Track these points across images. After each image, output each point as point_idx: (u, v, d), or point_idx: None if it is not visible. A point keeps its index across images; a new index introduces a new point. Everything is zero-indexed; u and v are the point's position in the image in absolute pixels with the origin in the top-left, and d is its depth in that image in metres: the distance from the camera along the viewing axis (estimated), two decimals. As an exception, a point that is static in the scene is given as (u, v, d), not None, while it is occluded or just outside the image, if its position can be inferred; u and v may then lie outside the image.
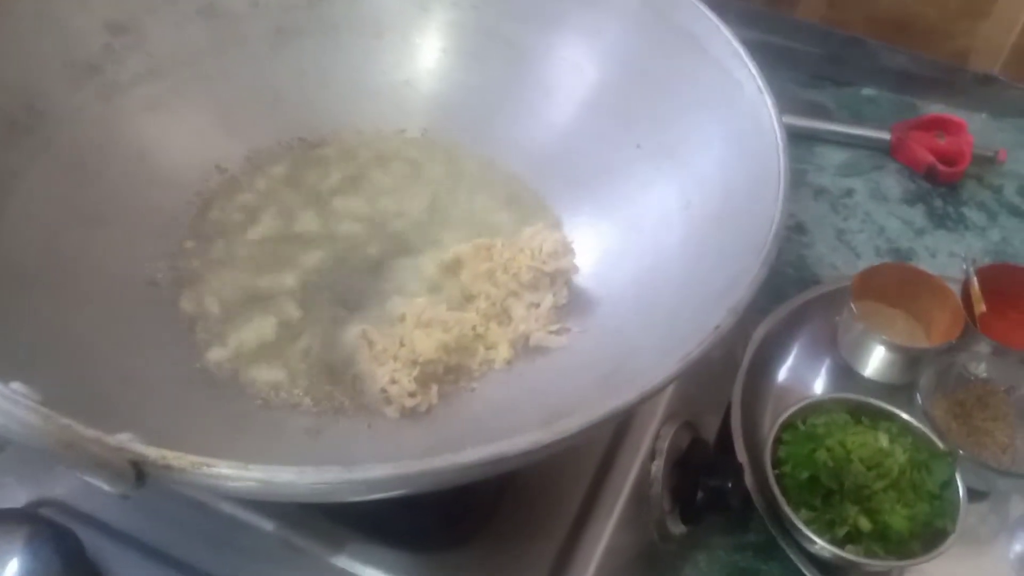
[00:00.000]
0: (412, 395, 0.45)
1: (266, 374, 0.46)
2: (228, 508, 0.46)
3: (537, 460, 0.34)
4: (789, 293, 0.73)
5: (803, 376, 0.70)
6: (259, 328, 0.48)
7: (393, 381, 0.45)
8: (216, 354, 0.47)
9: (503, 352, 0.48)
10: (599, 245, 0.54)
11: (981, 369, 0.66)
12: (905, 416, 0.61)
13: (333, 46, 0.59)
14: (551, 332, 0.49)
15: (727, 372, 0.64)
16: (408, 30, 0.59)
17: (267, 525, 0.46)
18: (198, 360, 0.47)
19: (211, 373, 0.46)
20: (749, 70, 0.49)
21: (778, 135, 0.45)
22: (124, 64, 0.53)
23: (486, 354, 0.48)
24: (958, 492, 0.57)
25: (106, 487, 0.30)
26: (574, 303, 0.51)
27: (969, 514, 0.57)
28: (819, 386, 0.69)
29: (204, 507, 0.46)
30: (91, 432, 0.30)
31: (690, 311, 0.42)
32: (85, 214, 0.49)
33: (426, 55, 0.60)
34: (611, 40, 0.56)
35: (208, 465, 0.30)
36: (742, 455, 0.60)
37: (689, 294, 0.45)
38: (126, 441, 0.30)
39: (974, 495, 0.59)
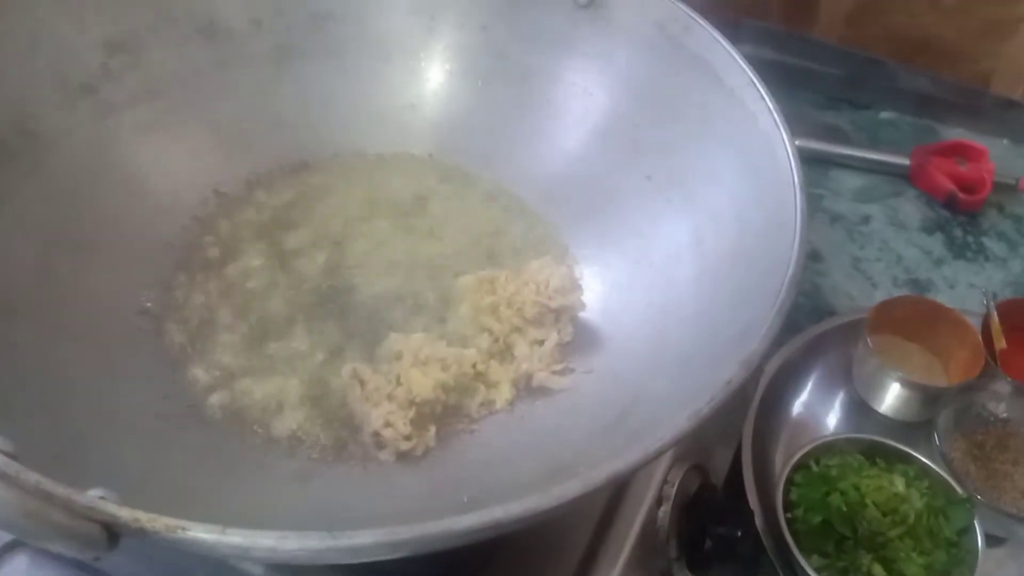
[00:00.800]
0: (408, 438, 0.43)
1: (256, 414, 0.44)
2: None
3: (533, 524, 0.32)
4: (803, 324, 0.71)
5: (816, 411, 0.68)
6: (250, 365, 0.46)
7: (388, 424, 0.43)
8: (204, 391, 0.45)
9: (504, 392, 0.46)
10: (606, 278, 0.52)
11: (1001, 409, 0.64)
12: (922, 459, 0.58)
13: (337, 67, 0.57)
14: (555, 372, 0.47)
15: (738, 407, 0.62)
16: (414, 52, 0.58)
17: (255, 570, 0.44)
18: (184, 397, 0.45)
19: (197, 411, 0.44)
20: (765, 102, 0.47)
21: (795, 173, 0.43)
22: (120, 84, 0.51)
23: (487, 394, 0.46)
24: (976, 539, 0.55)
25: (76, 554, 0.28)
26: (579, 340, 0.49)
27: (987, 561, 0.55)
28: (832, 422, 0.67)
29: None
30: (60, 490, 0.28)
31: (701, 359, 0.41)
32: (75, 240, 0.47)
33: (432, 78, 0.58)
34: (622, 66, 0.55)
35: (184, 528, 0.28)
36: (752, 495, 0.58)
37: (701, 339, 0.43)
38: (97, 500, 0.28)
39: (992, 541, 0.57)
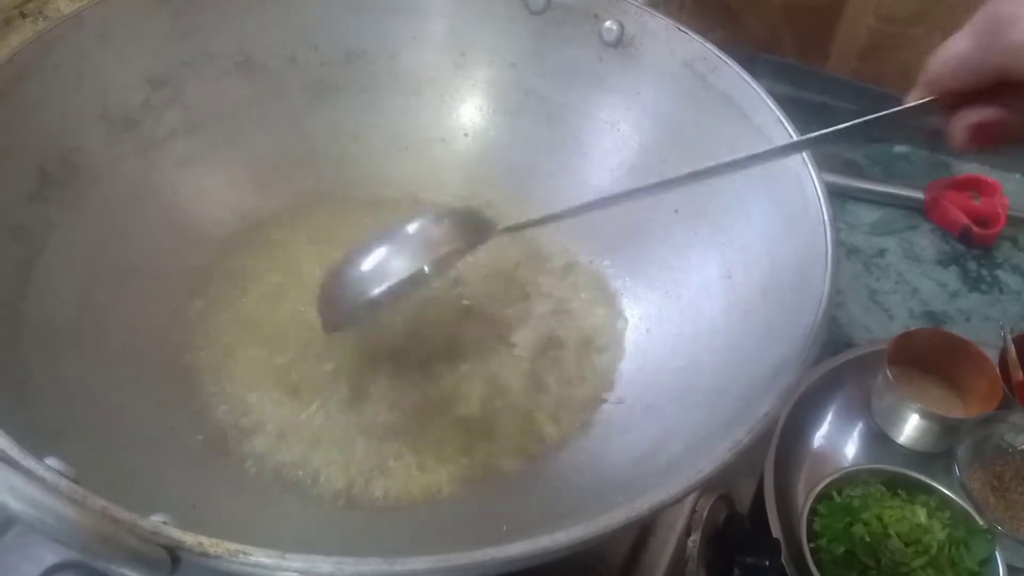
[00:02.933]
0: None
1: (290, 458, 0.45)
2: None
3: (575, 552, 0.33)
4: (822, 356, 0.71)
5: (836, 442, 0.68)
6: (286, 398, 0.47)
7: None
8: (243, 421, 0.46)
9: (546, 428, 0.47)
10: (635, 310, 0.53)
11: (1020, 440, 0.65)
12: (943, 490, 0.59)
13: (369, 102, 0.59)
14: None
15: (761, 439, 0.63)
16: (445, 88, 0.59)
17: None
18: (221, 430, 0.46)
19: (238, 441, 0.45)
20: (792, 138, 0.48)
21: (824, 209, 0.44)
22: (161, 118, 0.53)
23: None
24: (998, 569, 0.56)
25: (140, 576, 0.29)
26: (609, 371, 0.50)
27: (1009, 592, 0.55)
28: (852, 452, 0.68)
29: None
30: (126, 516, 0.29)
31: (734, 391, 0.41)
32: (118, 269, 0.49)
33: (462, 113, 0.60)
34: (650, 102, 0.56)
35: (245, 553, 0.29)
36: (775, 525, 0.59)
37: (733, 371, 0.43)
38: (160, 525, 0.29)
39: (1013, 572, 0.58)
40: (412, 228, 0.45)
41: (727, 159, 0.42)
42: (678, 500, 0.33)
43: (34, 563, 0.47)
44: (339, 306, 0.45)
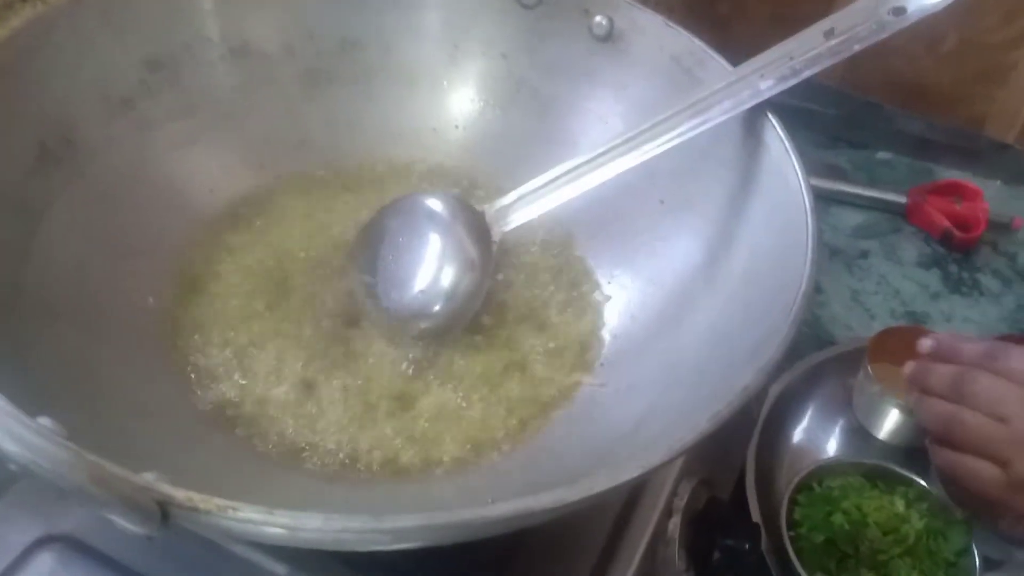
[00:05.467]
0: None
1: (283, 425, 0.46)
2: (240, 550, 0.45)
3: (561, 516, 0.34)
4: (804, 352, 0.73)
5: (817, 436, 0.69)
6: (277, 369, 0.48)
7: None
8: (233, 393, 0.47)
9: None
10: (619, 296, 0.54)
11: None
12: (921, 482, 0.60)
13: (363, 91, 0.59)
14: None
15: (742, 430, 0.64)
16: (438, 79, 0.60)
17: (280, 569, 0.45)
18: (214, 401, 0.46)
19: (228, 413, 0.46)
20: (776, 131, 0.50)
21: (805, 196, 0.45)
22: (158, 100, 0.53)
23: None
24: (974, 561, 0.57)
25: (132, 527, 0.29)
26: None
27: (984, 583, 0.57)
28: (833, 447, 0.69)
29: (217, 547, 0.45)
30: (118, 470, 0.30)
31: (715, 370, 0.42)
32: (114, 245, 0.49)
33: (454, 104, 0.60)
34: (637, 94, 0.57)
35: (234, 509, 0.30)
36: (756, 515, 0.60)
37: (714, 352, 0.44)
38: (151, 481, 0.30)
39: (990, 564, 0.59)
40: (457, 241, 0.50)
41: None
42: (659, 467, 0.34)
43: (22, 534, 0.47)
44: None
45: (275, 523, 0.30)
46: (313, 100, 0.58)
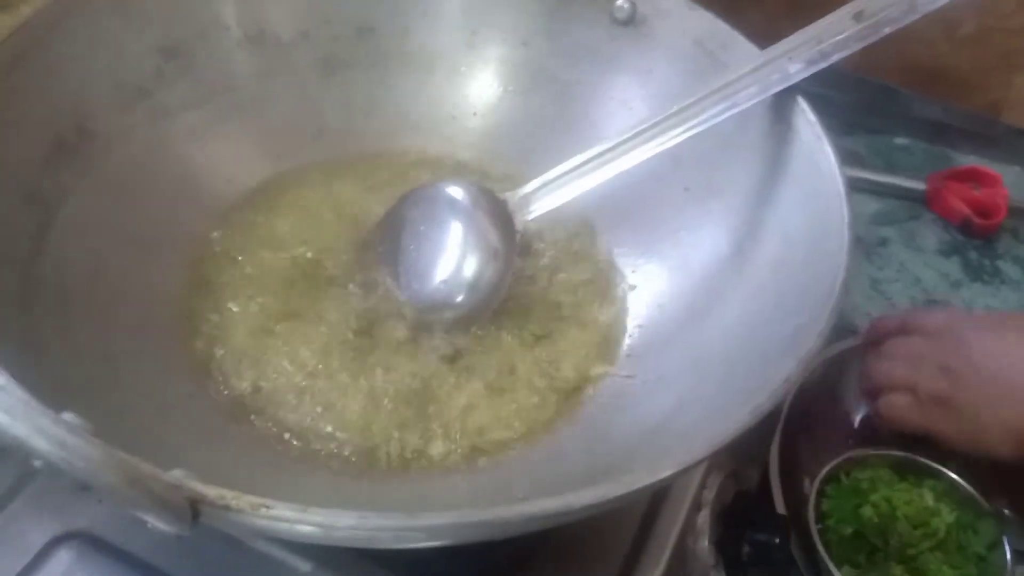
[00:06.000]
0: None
1: (303, 421, 0.45)
2: (262, 546, 0.45)
3: (598, 513, 0.33)
4: (826, 342, 0.71)
5: (841, 427, 0.68)
6: (297, 361, 0.47)
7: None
8: (253, 387, 0.46)
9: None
10: (646, 286, 0.53)
11: None
12: (951, 474, 0.59)
13: (380, 78, 0.58)
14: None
15: (767, 422, 0.63)
16: (456, 65, 0.59)
17: (303, 566, 0.44)
18: (232, 395, 0.45)
19: (248, 407, 0.45)
20: (806, 116, 0.49)
21: (840, 184, 0.45)
22: (173, 88, 0.52)
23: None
24: (1005, 555, 0.56)
25: (163, 526, 0.28)
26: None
27: (1015, 576, 0.56)
28: (857, 437, 0.68)
29: (238, 544, 0.45)
30: (147, 468, 0.29)
31: (746, 364, 0.41)
32: (130, 236, 0.48)
33: (473, 90, 0.59)
34: (661, 80, 0.56)
35: (267, 507, 0.29)
36: (781, 507, 0.59)
37: (745, 345, 0.43)
38: (182, 479, 0.29)
39: (1021, 556, 0.58)
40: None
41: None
42: (701, 462, 0.33)
43: (41, 532, 0.46)
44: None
45: (309, 521, 0.29)
46: (330, 88, 0.57)
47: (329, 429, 0.45)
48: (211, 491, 0.29)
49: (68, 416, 0.30)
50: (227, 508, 0.29)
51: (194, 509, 0.29)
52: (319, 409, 0.45)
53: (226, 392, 0.46)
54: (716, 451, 0.33)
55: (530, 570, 0.46)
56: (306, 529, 0.30)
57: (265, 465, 0.44)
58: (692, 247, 0.52)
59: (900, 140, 0.96)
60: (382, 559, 0.44)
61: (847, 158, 0.91)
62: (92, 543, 0.47)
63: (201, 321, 0.48)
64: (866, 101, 0.97)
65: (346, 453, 0.44)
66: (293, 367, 0.47)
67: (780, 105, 0.50)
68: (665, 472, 0.32)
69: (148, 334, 0.46)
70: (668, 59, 0.55)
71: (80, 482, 0.27)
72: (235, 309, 0.49)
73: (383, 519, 0.29)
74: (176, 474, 0.29)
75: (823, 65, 0.49)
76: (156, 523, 0.28)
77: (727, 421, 0.34)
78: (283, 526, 0.29)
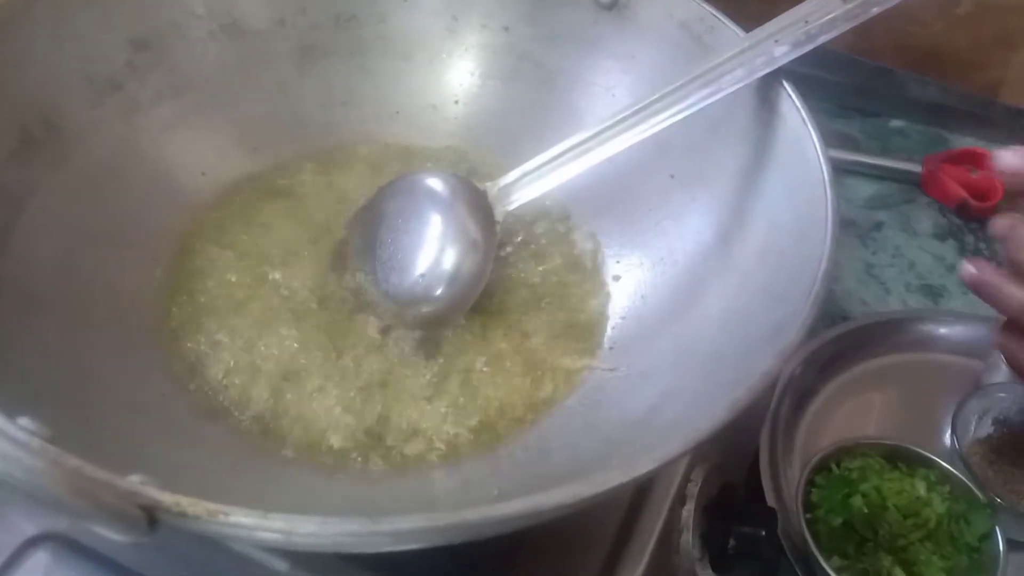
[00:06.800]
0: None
1: (283, 420, 0.44)
2: (240, 548, 0.44)
3: (571, 512, 0.32)
4: (818, 328, 0.71)
5: (832, 415, 0.67)
6: (274, 359, 0.46)
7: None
8: (230, 386, 0.45)
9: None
10: (630, 277, 0.52)
11: (1015, 412, 0.64)
12: (943, 464, 0.58)
13: (359, 67, 0.57)
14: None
15: (755, 412, 0.62)
16: (436, 53, 0.58)
17: (280, 566, 0.43)
18: (208, 395, 0.44)
19: (224, 406, 0.44)
20: (792, 100, 0.47)
21: (824, 171, 0.43)
22: (145, 81, 0.51)
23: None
24: (998, 545, 0.55)
25: (115, 536, 0.27)
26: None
27: (1008, 566, 0.55)
28: (848, 425, 0.67)
29: (215, 544, 0.44)
30: (101, 475, 0.28)
31: (732, 355, 0.40)
32: (100, 233, 0.47)
33: (454, 78, 0.58)
34: (646, 65, 0.55)
35: (225, 513, 0.28)
36: (771, 498, 0.58)
37: (730, 336, 0.42)
38: (138, 485, 0.28)
39: (1013, 545, 0.57)
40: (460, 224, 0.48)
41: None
42: (676, 459, 0.32)
43: (12, 535, 0.46)
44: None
45: (269, 528, 0.28)
46: (307, 78, 0.56)
47: (304, 427, 0.44)
48: (167, 497, 0.28)
49: (24, 421, 0.30)
50: (184, 515, 0.28)
51: (150, 516, 0.28)
52: (294, 406, 0.44)
53: (200, 390, 0.45)
54: (691, 447, 0.32)
55: (512, 565, 0.45)
56: (267, 536, 0.29)
57: (241, 465, 0.43)
58: (677, 236, 0.51)
59: (896, 122, 0.95)
60: (360, 559, 0.44)
61: (841, 141, 0.91)
62: (69, 545, 0.46)
63: (174, 319, 0.47)
64: (861, 83, 0.95)
65: (321, 452, 0.43)
66: (269, 364, 0.46)
67: (766, 90, 0.49)
68: (638, 470, 0.31)
69: (119, 333, 0.45)
70: (653, 43, 0.54)
71: (25, 493, 0.26)
72: (209, 305, 0.48)
73: (346, 524, 0.29)
74: (133, 480, 0.28)
75: (810, 47, 0.48)
76: (108, 533, 0.27)
77: (704, 416, 0.33)
78: (243, 532, 0.29)
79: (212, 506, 0.28)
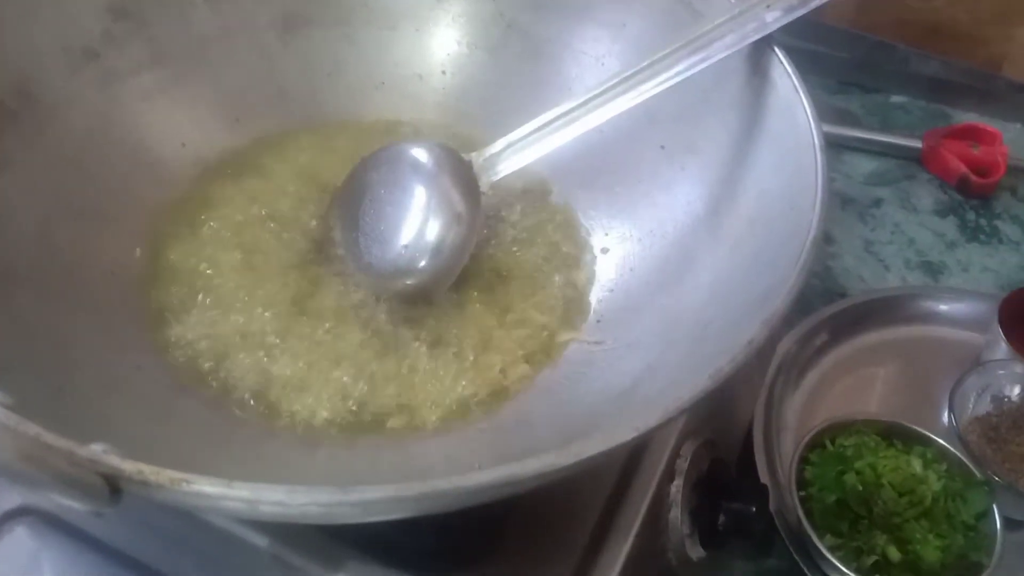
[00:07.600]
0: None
1: (261, 391, 0.43)
2: (220, 522, 0.43)
3: (550, 483, 0.31)
4: (815, 305, 0.70)
5: (829, 391, 0.66)
6: (255, 331, 0.45)
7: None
8: (209, 358, 0.44)
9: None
10: (618, 249, 0.51)
11: (1015, 391, 0.63)
12: (941, 441, 0.57)
13: (343, 37, 0.56)
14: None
15: (749, 388, 0.61)
16: (422, 22, 0.57)
17: (260, 541, 0.43)
18: (187, 367, 0.44)
19: (203, 378, 0.43)
20: (784, 67, 0.46)
21: (815, 137, 0.42)
22: (124, 50, 0.50)
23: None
24: (995, 524, 0.54)
25: (77, 505, 0.27)
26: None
27: (1005, 545, 0.54)
28: (844, 402, 0.66)
29: (195, 520, 0.43)
30: (61, 443, 0.27)
31: (719, 324, 0.40)
32: (77, 206, 0.46)
33: (440, 48, 0.57)
34: (635, 34, 0.53)
35: (188, 482, 0.27)
36: (764, 475, 0.57)
37: (718, 306, 0.42)
38: (99, 453, 0.27)
39: (1010, 524, 0.56)
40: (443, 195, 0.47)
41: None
42: (656, 428, 0.31)
43: (-9, 508, 0.45)
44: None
45: (234, 497, 0.27)
46: (290, 47, 0.55)
47: (285, 399, 0.43)
48: (128, 466, 0.27)
49: (-21, 388, 0.29)
50: (146, 483, 0.27)
51: (112, 485, 0.27)
52: (275, 378, 0.44)
53: (178, 363, 0.44)
54: (671, 416, 0.31)
55: (498, 543, 0.45)
56: (232, 505, 0.28)
57: (220, 437, 0.42)
58: (667, 207, 0.50)
59: (897, 98, 0.94)
60: (341, 534, 0.43)
61: (841, 117, 0.90)
62: (48, 520, 0.45)
63: (153, 293, 0.46)
64: (861, 58, 0.94)
65: (299, 424, 0.42)
66: (249, 338, 0.45)
67: (757, 57, 0.47)
68: (617, 440, 0.30)
69: (96, 307, 0.44)
70: (642, 11, 0.53)
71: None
72: (190, 278, 0.47)
73: (313, 494, 0.28)
74: (94, 448, 0.28)
75: (802, 11, 0.47)
76: (69, 502, 0.27)
77: (689, 386, 0.32)
78: (207, 502, 0.28)
79: (175, 474, 0.27)
